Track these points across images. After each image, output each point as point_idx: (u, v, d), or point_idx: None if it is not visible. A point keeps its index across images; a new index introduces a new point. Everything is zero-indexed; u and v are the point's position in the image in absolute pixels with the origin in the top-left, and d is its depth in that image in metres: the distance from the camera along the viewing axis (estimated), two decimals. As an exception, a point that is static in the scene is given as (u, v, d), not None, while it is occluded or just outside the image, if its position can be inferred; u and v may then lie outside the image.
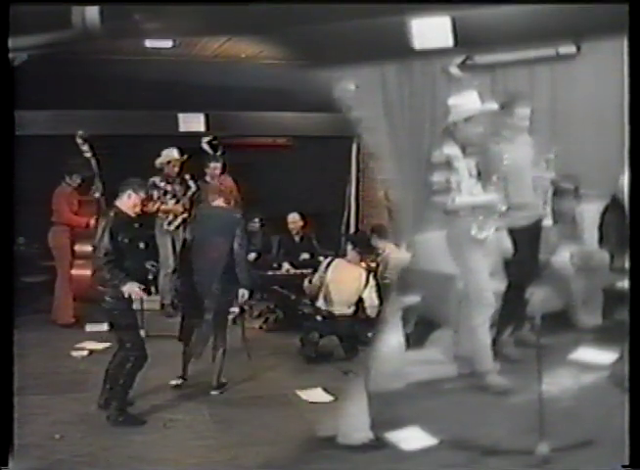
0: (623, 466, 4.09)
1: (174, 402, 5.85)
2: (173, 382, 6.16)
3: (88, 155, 7.83)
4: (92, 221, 7.91)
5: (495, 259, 5.52)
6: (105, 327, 6.31)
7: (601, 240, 6.08)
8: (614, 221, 5.92)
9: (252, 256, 8.55)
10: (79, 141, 7.80)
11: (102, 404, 5.53)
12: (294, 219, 9.05)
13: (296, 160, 10.10)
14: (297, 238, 9.04)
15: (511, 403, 5.10)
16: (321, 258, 7.98)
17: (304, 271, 8.26)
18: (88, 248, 7.87)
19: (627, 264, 4.39)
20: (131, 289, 5.34)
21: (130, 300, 5.46)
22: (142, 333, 7.15)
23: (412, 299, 5.84)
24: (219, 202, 6.36)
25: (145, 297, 5.56)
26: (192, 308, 6.14)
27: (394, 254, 7.49)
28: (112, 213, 5.50)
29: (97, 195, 7.92)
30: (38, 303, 8.05)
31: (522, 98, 5.70)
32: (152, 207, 8.29)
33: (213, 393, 6.05)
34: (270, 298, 8.43)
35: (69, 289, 7.91)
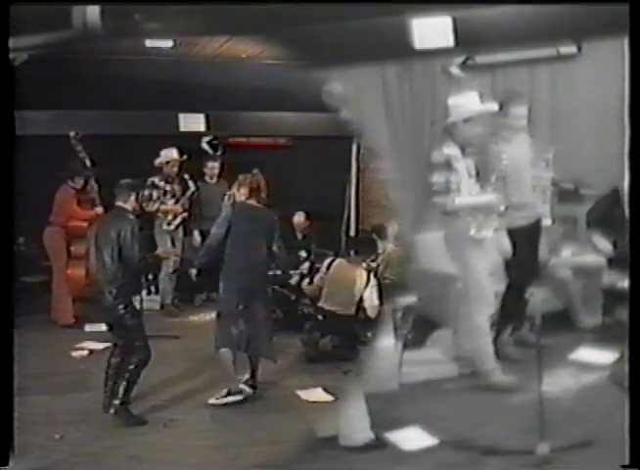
0: (623, 466, 4.10)
1: (174, 402, 5.84)
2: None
3: (82, 155, 7.88)
4: (99, 209, 7.88)
5: (495, 259, 5.51)
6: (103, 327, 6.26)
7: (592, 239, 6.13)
8: (600, 217, 5.99)
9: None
10: (73, 142, 7.84)
11: (106, 406, 5.49)
12: (299, 218, 9.05)
13: (296, 160, 10.09)
14: (299, 236, 9.02)
15: (511, 403, 5.10)
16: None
17: (304, 271, 8.25)
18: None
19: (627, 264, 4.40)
20: (166, 253, 5.45)
21: (131, 298, 5.49)
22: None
23: (412, 299, 5.85)
24: (253, 200, 6.03)
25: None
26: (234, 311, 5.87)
27: (394, 254, 7.49)
28: (131, 217, 5.52)
29: (92, 195, 7.95)
30: (38, 303, 8.03)
31: (517, 97, 5.69)
32: (151, 206, 8.29)
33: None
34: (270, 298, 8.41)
35: (67, 289, 7.91)
